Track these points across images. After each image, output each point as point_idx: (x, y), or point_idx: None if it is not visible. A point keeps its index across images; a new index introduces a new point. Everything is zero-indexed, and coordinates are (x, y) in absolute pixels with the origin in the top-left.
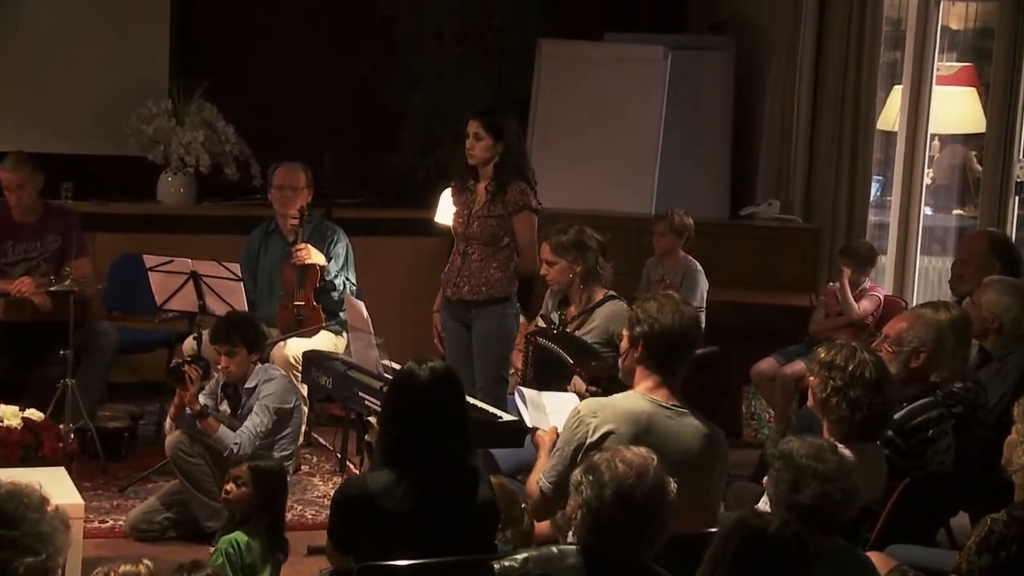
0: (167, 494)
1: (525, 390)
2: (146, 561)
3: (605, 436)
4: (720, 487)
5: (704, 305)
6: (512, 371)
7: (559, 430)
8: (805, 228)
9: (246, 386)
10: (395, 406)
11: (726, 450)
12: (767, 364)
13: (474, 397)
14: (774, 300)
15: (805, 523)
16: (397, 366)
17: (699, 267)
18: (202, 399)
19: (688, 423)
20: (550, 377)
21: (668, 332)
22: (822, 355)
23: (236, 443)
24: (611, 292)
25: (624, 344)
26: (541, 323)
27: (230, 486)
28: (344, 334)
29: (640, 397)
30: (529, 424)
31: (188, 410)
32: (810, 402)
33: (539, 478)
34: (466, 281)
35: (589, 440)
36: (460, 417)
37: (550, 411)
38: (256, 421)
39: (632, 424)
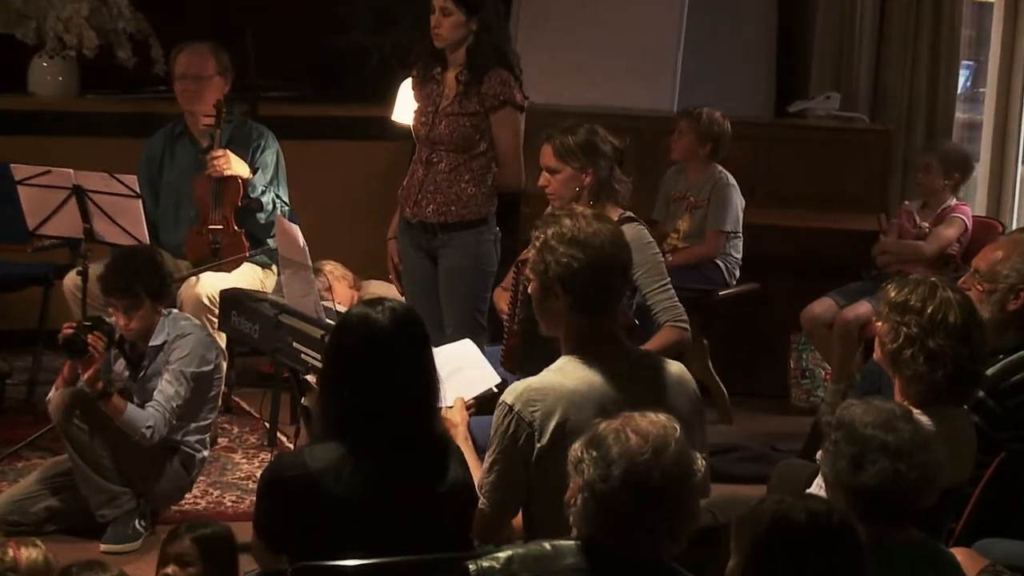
0: (49, 475)
1: None
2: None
3: (559, 433)
4: (705, 444)
5: (739, 230)
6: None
7: (467, 399)
8: (873, 129)
9: (151, 343)
10: (341, 360)
11: (699, 393)
12: (823, 306)
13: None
14: (832, 223)
15: (870, 510)
16: (343, 309)
17: (732, 180)
18: None
19: (650, 381)
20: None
21: (593, 264)
22: (893, 294)
23: (149, 426)
24: (627, 212)
25: (534, 290)
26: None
27: (171, 569)
28: (273, 268)
29: (580, 365)
30: None
31: (86, 388)
32: (877, 355)
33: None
34: (430, 198)
35: (539, 445)
36: (424, 373)
37: (446, 375)
38: (170, 393)
39: (585, 407)
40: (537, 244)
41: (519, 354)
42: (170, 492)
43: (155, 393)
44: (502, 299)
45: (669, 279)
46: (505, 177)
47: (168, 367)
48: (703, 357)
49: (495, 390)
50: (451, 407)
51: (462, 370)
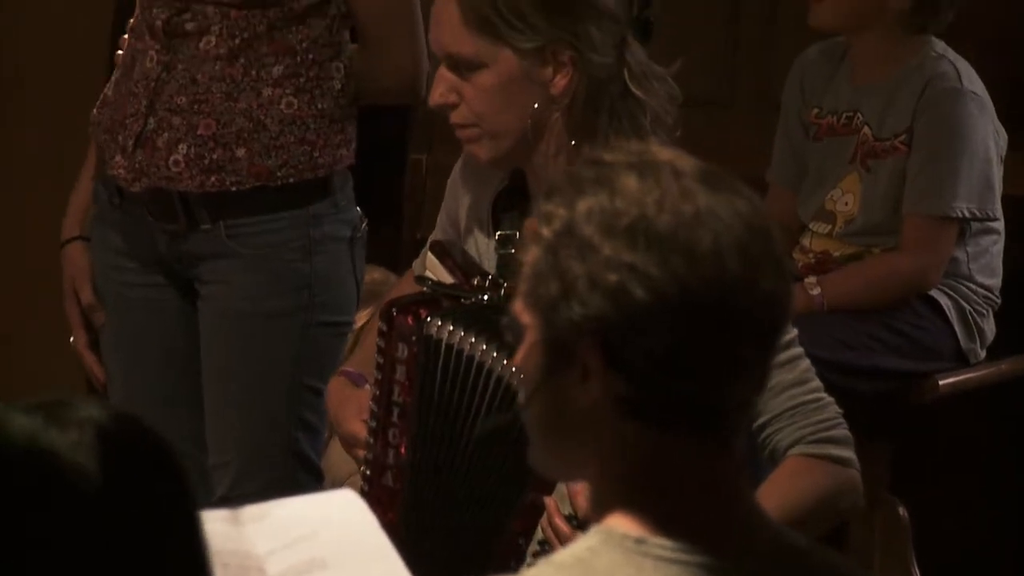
0: None
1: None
2: None
3: None
4: None
5: (995, 213)
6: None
7: None
8: None
9: None
10: None
11: None
12: None
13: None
14: None
15: None
16: None
17: (972, 82)
18: None
19: None
20: (463, 462)
21: (695, 299)
22: None
23: None
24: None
25: (530, 355)
26: (435, 271)
27: None
28: None
29: (633, 557)
30: None
31: None
32: None
33: None
34: (180, 129)
35: None
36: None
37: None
38: None
39: None
40: (547, 233)
41: (407, 530)
42: None
43: None
44: (348, 407)
45: (801, 350)
46: (380, 68)
47: None
48: (895, 541)
49: None
50: None
51: (329, 568)
